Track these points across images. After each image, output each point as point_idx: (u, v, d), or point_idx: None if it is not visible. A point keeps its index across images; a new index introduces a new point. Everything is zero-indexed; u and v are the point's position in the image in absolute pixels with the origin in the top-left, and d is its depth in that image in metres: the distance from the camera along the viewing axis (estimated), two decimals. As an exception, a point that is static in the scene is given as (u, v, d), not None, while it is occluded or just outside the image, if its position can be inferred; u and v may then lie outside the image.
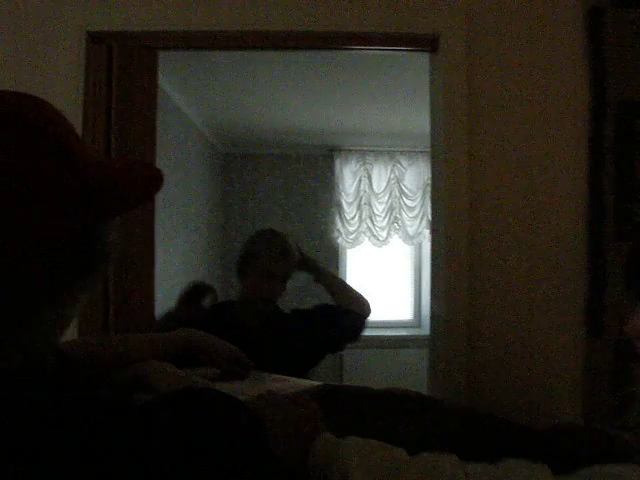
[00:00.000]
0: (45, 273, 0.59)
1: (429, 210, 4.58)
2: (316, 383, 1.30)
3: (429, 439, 0.84)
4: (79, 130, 1.50)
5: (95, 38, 1.59)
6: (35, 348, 0.67)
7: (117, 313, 1.59)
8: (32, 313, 0.61)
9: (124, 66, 1.61)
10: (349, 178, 4.72)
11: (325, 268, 2.10)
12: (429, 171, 4.52)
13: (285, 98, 3.60)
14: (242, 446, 0.67)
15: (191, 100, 3.55)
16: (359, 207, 4.70)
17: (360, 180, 4.73)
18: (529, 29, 1.73)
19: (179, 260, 3.41)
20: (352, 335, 2.06)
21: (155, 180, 0.68)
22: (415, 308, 4.99)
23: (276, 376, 1.41)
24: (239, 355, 1.32)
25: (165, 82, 2.99)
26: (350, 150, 4.73)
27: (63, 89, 1.52)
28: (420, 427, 0.88)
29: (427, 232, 4.66)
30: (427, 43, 1.76)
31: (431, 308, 1.91)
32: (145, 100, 1.62)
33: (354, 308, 2.00)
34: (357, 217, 4.69)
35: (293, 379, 1.36)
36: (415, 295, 4.99)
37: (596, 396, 1.68)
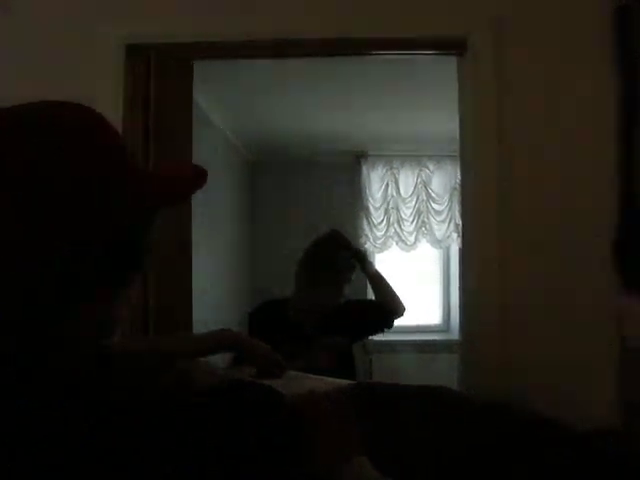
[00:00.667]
0: (92, 269, 0.61)
1: (457, 214, 4.61)
2: (348, 382, 1.32)
3: (467, 444, 0.84)
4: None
5: (134, 50, 1.65)
6: (84, 345, 0.70)
7: (156, 316, 1.64)
8: (81, 308, 0.63)
9: (161, 77, 1.67)
10: (376, 183, 4.74)
11: (372, 263, 2.31)
12: (456, 175, 4.54)
13: (312, 105, 3.64)
14: (280, 442, 0.70)
15: (219, 109, 3.61)
16: (386, 212, 4.72)
17: (387, 185, 4.74)
18: (556, 29, 1.73)
19: (209, 265, 3.47)
20: (378, 330, 2.25)
21: (199, 175, 0.70)
22: (444, 312, 4.97)
23: (309, 375, 1.44)
24: (274, 355, 1.37)
25: (194, 91, 3.06)
26: (377, 155, 4.75)
27: (103, 99, 1.58)
28: (458, 432, 0.88)
29: (455, 236, 4.65)
30: (455, 46, 1.77)
31: (462, 311, 1.91)
32: (181, 109, 1.68)
33: (389, 304, 2.18)
34: (385, 222, 4.70)
35: (327, 378, 1.39)
36: (444, 299, 4.98)
37: (634, 399, 1.66)
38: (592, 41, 1.73)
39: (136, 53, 1.66)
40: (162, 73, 1.69)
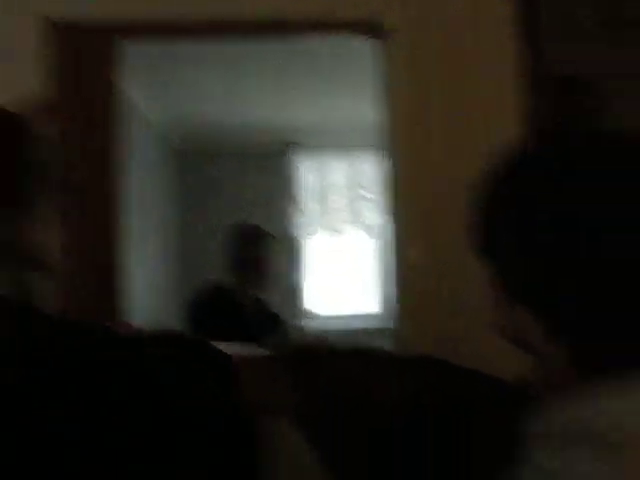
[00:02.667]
0: None
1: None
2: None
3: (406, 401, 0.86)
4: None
5: (57, 26, 1.63)
6: None
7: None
8: None
9: (86, 55, 1.66)
10: (306, 173, 4.81)
11: None
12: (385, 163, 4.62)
13: (241, 94, 3.65)
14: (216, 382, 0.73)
15: (144, 94, 3.55)
16: (317, 201, 4.79)
17: (317, 174, 4.82)
18: (468, 12, 1.79)
19: (137, 258, 3.42)
20: None
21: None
22: (382, 300, 5.04)
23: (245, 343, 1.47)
24: None
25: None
26: (307, 145, 4.81)
27: (25, 75, 1.56)
28: (396, 388, 0.90)
29: (387, 223, 4.77)
30: (370, 29, 1.80)
31: (398, 300, 1.96)
32: (105, 89, 1.68)
33: None
34: (315, 211, 4.78)
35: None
36: (381, 287, 5.05)
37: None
38: (501, 21, 1.78)
39: (60, 29, 1.64)
40: (87, 50, 1.67)
